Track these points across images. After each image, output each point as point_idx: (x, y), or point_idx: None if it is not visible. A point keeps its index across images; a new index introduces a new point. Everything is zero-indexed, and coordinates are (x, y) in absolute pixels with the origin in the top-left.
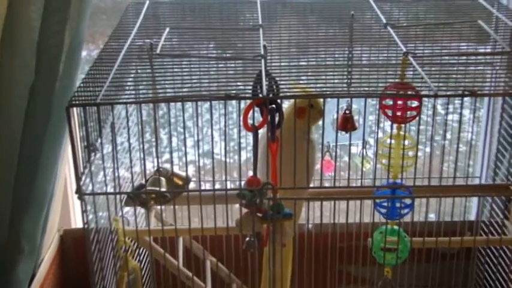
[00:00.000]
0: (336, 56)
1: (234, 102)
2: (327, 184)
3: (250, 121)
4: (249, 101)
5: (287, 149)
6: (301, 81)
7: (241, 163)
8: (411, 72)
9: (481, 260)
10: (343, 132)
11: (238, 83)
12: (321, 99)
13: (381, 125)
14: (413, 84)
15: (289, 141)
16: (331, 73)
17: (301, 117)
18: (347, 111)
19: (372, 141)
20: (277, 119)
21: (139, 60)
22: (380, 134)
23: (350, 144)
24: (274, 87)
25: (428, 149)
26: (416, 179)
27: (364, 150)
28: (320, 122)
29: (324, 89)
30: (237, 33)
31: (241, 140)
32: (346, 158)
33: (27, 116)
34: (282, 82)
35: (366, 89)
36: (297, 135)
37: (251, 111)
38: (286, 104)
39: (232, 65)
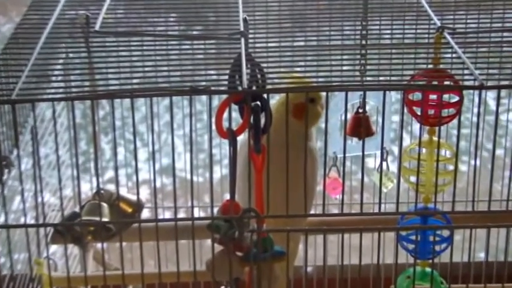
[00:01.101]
0: (345, 32)
1: (203, 98)
2: (334, 211)
3: (225, 124)
4: (224, 97)
5: (277, 162)
6: (296, 69)
7: (213, 182)
8: (448, 55)
9: None
10: (355, 139)
11: (210, 72)
12: (324, 93)
13: (408, 128)
14: (451, 71)
15: (280, 152)
16: (338, 57)
17: (299, 116)
18: (360, 110)
19: (395, 150)
20: (263, 120)
21: (72, 40)
22: (406, 141)
23: (363, 156)
24: (259, 76)
25: (473, 161)
26: (456, 203)
27: (385, 164)
28: (322, 124)
29: (329, 78)
30: (207, 2)
31: (213, 151)
32: (359, 175)
33: None
34: (270, 70)
35: (387, 78)
36: (292, 143)
37: (227, 111)
38: (276, 100)
39: (201, 47)
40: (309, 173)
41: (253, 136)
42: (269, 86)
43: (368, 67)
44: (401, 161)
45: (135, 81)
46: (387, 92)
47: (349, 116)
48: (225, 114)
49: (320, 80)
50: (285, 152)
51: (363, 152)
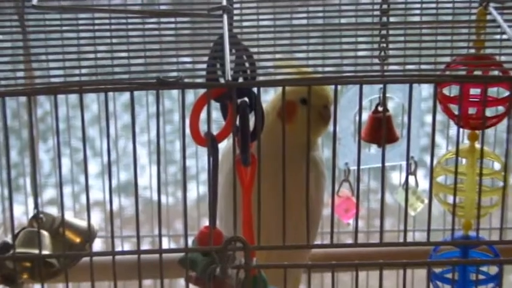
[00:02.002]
0: (361, 7)
1: (174, 93)
2: (346, 240)
3: (203, 127)
4: (201, 91)
5: (271, 177)
6: (296, 55)
7: (187, 204)
8: (497, 36)
9: None
10: (374, 146)
11: (182, 59)
12: (330, 87)
13: (444, 132)
14: (498, 57)
15: (274, 163)
16: (351, 39)
17: (289, 120)
18: (380, 108)
19: (427, 161)
20: (252, 122)
21: (1, 18)
22: (441, 149)
23: (383, 168)
24: (247, 65)
25: None
26: (506, 230)
27: (412, 179)
28: (330, 127)
29: (339, 67)
30: None
31: (187, 163)
32: (378, 195)
33: None
34: (262, 57)
35: (415, 67)
36: (290, 153)
37: (205, 110)
38: (270, 97)
39: (171, 26)
40: (313, 191)
41: (239, 143)
42: (260, 78)
43: (390, 52)
44: (433, 175)
45: (84, 71)
46: (415, 85)
47: (365, 116)
48: (203, 115)
49: (327, 69)
50: (280, 164)
51: (382, 163)
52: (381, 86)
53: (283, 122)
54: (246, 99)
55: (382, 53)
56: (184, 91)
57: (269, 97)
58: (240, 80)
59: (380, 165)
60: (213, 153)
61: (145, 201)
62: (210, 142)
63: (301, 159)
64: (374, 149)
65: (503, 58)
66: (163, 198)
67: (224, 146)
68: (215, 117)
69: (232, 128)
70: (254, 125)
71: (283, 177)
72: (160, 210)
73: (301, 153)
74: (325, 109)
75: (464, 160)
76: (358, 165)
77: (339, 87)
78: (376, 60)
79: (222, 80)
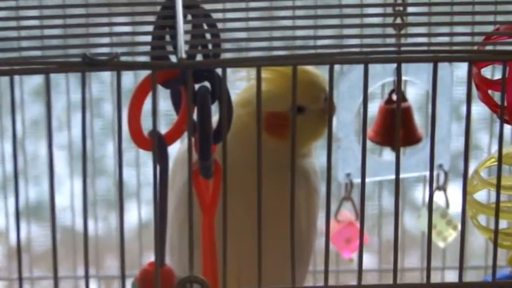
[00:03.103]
0: None
1: (106, 75)
2: (348, 282)
3: (147, 125)
4: (144, 74)
5: (243, 193)
6: (280, 22)
7: (124, 233)
8: None
9: None
10: (387, 150)
11: (117, 29)
12: (322, 70)
13: (485, 130)
14: None
15: (247, 175)
16: (355, 0)
17: (277, 134)
18: (394, 96)
19: (459, 167)
20: (215, 118)
21: None
22: (484, 153)
23: (398, 181)
24: (208, 37)
25: None
26: None
27: (441, 195)
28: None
29: (339, 41)
30: None
31: (124, 174)
32: (392, 216)
33: None
34: (229, 25)
35: (443, 40)
36: (271, 160)
37: (149, 99)
38: (239, 83)
39: None
40: (302, 213)
41: (197, 146)
42: (227, 55)
43: (409, 18)
44: (469, 189)
45: None
46: (444, 64)
47: (375, 107)
48: (147, 106)
49: (322, 43)
50: (254, 176)
51: (397, 173)
52: (395, 66)
53: (259, 128)
54: (207, 84)
55: (398, 20)
56: (120, 73)
57: (239, 83)
58: (199, 57)
59: (393, 176)
60: (161, 160)
61: (65, 229)
62: (157, 144)
63: (287, 169)
64: (388, 153)
65: None
66: (90, 225)
67: (177, 150)
68: (164, 110)
69: (187, 125)
70: (218, 121)
71: (259, 193)
72: (86, 241)
73: (286, 161)
74: (325, 102)
75: (511, 169)
76: (363, 176)
77: (337, 67)
78: (390, 30)
79: (173, 58)
